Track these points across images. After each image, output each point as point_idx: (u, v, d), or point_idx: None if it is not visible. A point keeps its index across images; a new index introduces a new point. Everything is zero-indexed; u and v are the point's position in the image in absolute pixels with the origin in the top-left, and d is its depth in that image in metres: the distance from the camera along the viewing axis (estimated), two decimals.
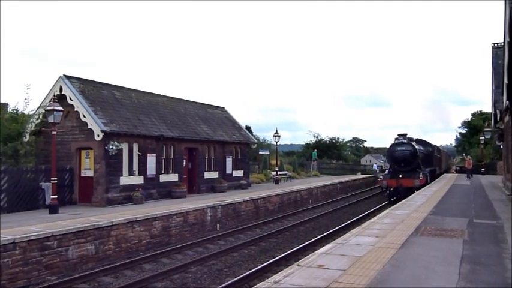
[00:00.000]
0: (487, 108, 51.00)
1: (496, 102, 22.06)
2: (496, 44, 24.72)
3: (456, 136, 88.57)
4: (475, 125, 68.41)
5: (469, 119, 75.88)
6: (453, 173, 50.64)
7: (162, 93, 24.96)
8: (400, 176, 25.50)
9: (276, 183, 31.80)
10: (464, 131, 78.68)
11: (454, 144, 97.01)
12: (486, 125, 40.57)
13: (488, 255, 7.61)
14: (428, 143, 34.48)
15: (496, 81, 21.76)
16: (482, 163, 43.20)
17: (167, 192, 20.88)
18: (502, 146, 29.87)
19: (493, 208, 14.71)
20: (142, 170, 19.64)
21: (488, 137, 38.32)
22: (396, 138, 27.63)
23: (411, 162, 26.43)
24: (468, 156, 41.18)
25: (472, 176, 33.95)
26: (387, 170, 29.54)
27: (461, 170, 49.60)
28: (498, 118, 23.69)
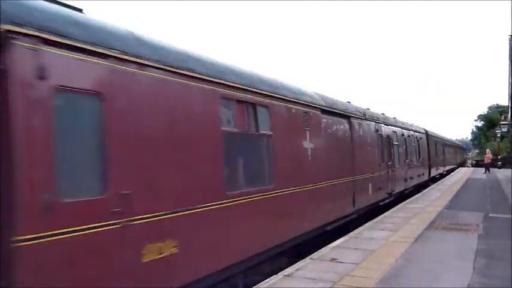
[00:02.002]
0: (504, 101, 50.12)
1: None
2: None
3: (472, 130, 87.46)
4: (491, 118, 67.37)
5: (486, 112, 74.82)
6: (468, 167, 49.97)
7: None
8: None
9: None
10: (480, 124, 77.61)
11: (470, 137, 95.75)
12: (503, 118, 39.90)
13: (503, 250, 7.50)
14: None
15: None
16: (499, 157, 42.50)
17: None
18: None
19: (509, 202, 14.49)
20: None
21: (504, 130, 37.67)
22: None
23: None
24: (487, 150, 38.16)
25: (489, 171, 32.69)
26: None
27: (477, 164, 48.93)
28: None
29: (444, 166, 31.69)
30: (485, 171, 32.16)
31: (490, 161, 34.40)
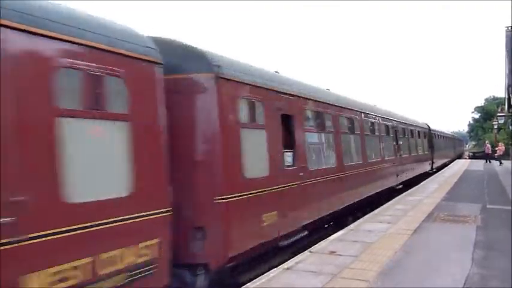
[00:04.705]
0: (500, 92, 50.07)
1: (509, 87, 21.63)
2: (510, 28, 24.06)
3: (469, 122, 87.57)
4: (488, 110, 67.47)
5: (483, 104, 74.91)
6: (466, 158, 50.16)
7: None
8: None
9: None
10: (477, 116, 77.71)
11: (466, 130, 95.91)
12: (500, 109, 39.86)
13: (502, 241, 7.53)
14: None
15: (510, 65, 21.31)
16: (496, 148, 42.57)
17: None
18: None
19: (506, 194, 14.54)
20: None
21: (501, 122, 37.64)
22: None
23: None
24: (499, 143, 36.65)
25: (501, 162, 32.01)
26: None
27: (474, 156, 49.18)
28: None
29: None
30: (500, 163, 31.54)
31: (502, 152, 33.60)
